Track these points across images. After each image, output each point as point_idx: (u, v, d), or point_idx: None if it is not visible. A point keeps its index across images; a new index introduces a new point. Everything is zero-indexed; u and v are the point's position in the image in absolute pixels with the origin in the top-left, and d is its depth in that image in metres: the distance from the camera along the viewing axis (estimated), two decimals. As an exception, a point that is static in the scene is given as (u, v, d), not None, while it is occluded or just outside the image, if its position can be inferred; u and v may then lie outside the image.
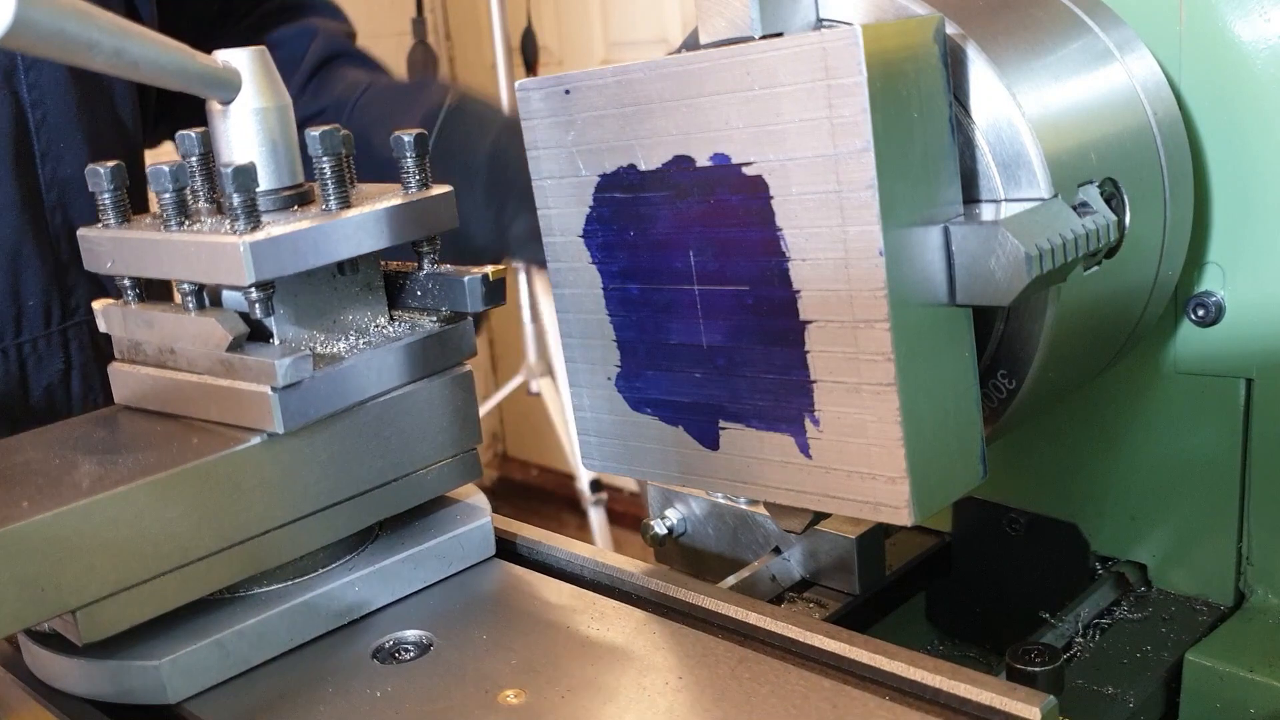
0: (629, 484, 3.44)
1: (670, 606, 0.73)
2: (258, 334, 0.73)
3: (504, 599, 0.76)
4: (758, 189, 0.64)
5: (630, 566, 0.76)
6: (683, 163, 0.67)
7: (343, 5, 1.50)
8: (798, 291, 0.64)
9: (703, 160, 0.66)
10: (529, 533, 0.83)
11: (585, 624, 0.70)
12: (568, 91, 0.71)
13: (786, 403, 0.66)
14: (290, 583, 0.74)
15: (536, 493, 4.15)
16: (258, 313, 0.70)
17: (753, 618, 0.68)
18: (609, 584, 0.76)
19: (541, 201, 0.75)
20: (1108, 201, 0.71)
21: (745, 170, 0.64)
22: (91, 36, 0.63)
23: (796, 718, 0.59)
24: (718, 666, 0.64)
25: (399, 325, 0.79)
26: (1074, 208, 0.68)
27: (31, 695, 0.71)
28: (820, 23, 0.69)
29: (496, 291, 0.78)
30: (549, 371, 3.43)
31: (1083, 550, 0.99)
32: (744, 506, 1.09)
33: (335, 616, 0.73)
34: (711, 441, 0.71)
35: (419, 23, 3.22)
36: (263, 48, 0.74)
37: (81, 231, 0.77)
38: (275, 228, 0.69)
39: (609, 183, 0.71)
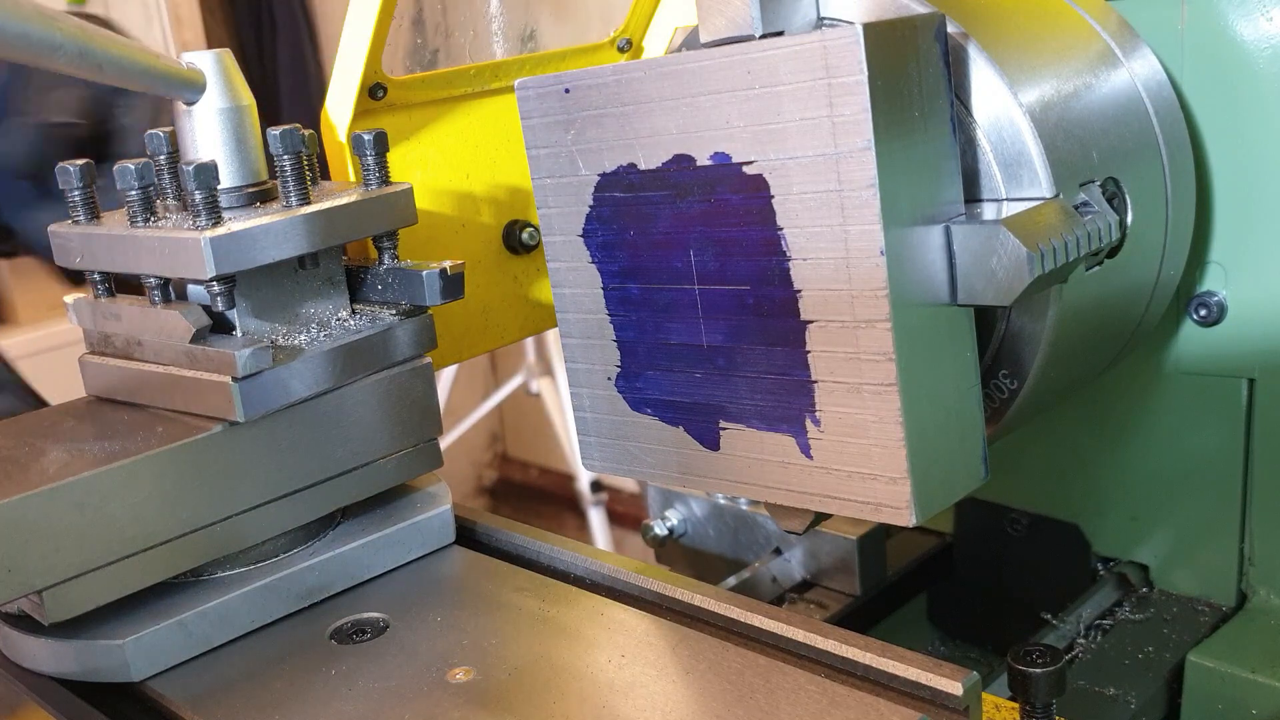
0: (629, 484, 3.43)
1: (614, 588, 0.75)
2: (222, 326, 0.76)
3: (461, 583, 0.79)
4: (758, 188, 0.63)
5: (580, 552, 0.78)
6: (683, 162, 0.66)
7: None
8: (798, 291, 0.63)
9: (703, 159, 0.65)
10: (488, 520, 0.85)
11: (537, 606, 0.72)
12: (567, 90, 0.71)
13: (787, 403, 0.66)
14: (252, 566, 0.76)
15: (536, 493, 4.14)
16: (219, 305, 0.72)
17: (697, 599, 0.71)
18: (563, 569, 0.79)
19: (541, 201, 0.75)
20: (1109, 201, 0.71)
21: (746, 169, 0.64)
22: (55, 39, 0.65)
23: (732, 691, 0.61)
24: (661, 646, 0.67)
25: (360, 318, 0.81)
26: (1076, 207, 0.68)
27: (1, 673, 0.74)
28: (821, 21, 0.69)
29: (455, 285, 0.80)
30: (549, 371, 3.43)
31: (1084, 551, 0.99)
32: (744, 507, 1.09)
33: (296, 599, 0.76)
34: (712, 442, 0.71)
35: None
36: (227, 49, 0.77)
37: (52, 228, 0.80)
38: (236, 223, 0.71)
39: (609, 182, 0.70)
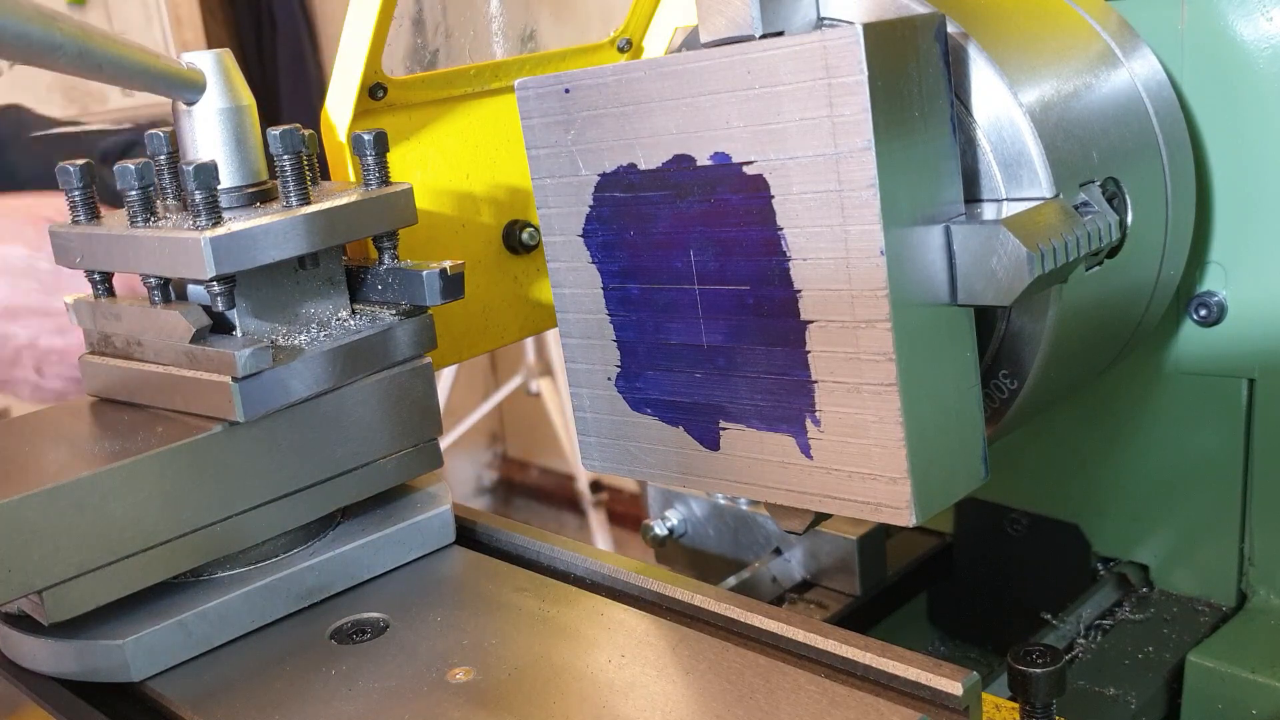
0: (629, 484, 3.43)
1: (614, 588, 0.75)
2: (221, 327, 0.76)
3: (461, 583, 0.79)
4: (758, 188, 0.63)
5: (580, 552, 0.78)
6: (683, 162, 0.66)
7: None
8: (798, 291, 0.63)
9: (703, 159, 0.65)
10: (488, 520, 0.86)
11: (537, 606, 0.72)
12: (567, 90, 0.71)
13: (787, 403, 0.66)
14: (252, 567, 0.76)
15: (536, 493, 4.14)
16: (219, 305, 0.72)
17: (697, 599, 0.71)
18: (563, 569, 0.79)
19: (541, 201, 0.75)
20: (1109, 201, 0.71)
21: (746, 169, 0.64)
22: (55, 39, 0.65)
23: (732, 691, 0.61)
24: (661, 646, 0.67)
25: (360, 318, 0.81)
26: (1076, 207, 0.68)
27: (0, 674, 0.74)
28: (821, 21, 0.69)
29: (455, 285, 0.80)
30: (549, 371, 3.43)
31: (1084, 551, 0.99)
32: (744, 507, 1.09)
33: (295, 599, 0.76)
34: (712, 442, 0.71)
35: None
36: (227, 49, 0.77)
37: (52, 228, 0.80)
38: (236, 223, 0.71)
39: (609, 182, 0.70)
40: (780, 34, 0.66)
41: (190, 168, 0.70)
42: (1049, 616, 0.94)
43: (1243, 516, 0.89)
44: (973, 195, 0.67)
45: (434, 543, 0.82)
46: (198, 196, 0.70)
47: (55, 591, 0.67)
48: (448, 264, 0.80)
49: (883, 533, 1.03)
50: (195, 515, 0.72)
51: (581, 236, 0.73)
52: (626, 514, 3.50)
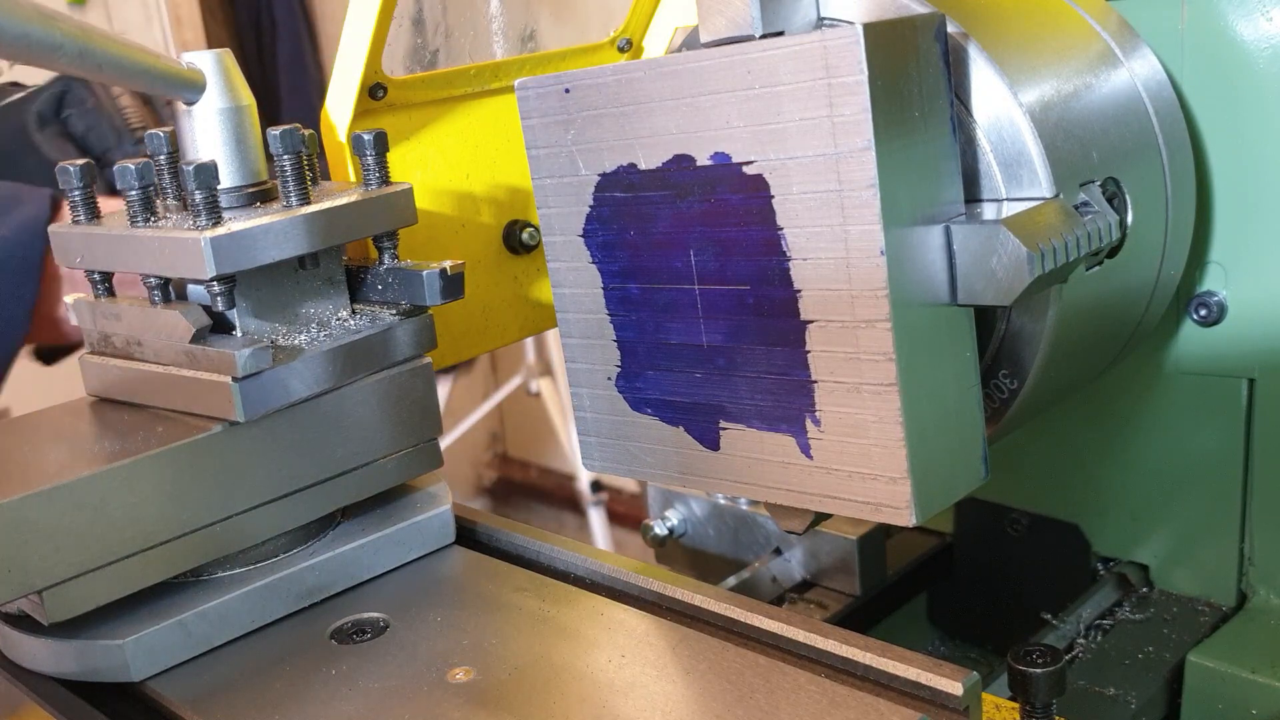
0: (629, 484, 3.43)
1: (614, 588, 0.75)
2: (221, 327, 0.76)
3: (461, 583, 0.79)
4: (758, 188, 0.63)
5: (580, 552, 0.78)
6: (683, 162, 0.66)
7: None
8: (798, 291, 0.63)
9: (703, 159, 0.65)
10: (488, 520, 0.86)
11: (537, 606, 0.73)
12: (567, 90, 0.71)
13: (787, 403, 0.66)
14: (252, 566, 0.77)
15: (536, 493, 4.14)
16: (219, 305, 0.73)
17: (697, 599, 0.71)
18: (563, 569, 0.79)
19: (541, 201, 0.75)
20: (1109, 201, 0.71)
21: (746, 169, 0.64)
22: (55, 39, 0.66)
23: (732, 691, 0.61)
24: (661, 646, 0.67)
25: (360, 318, 0.82)
26: (1076, 207, 0.68)
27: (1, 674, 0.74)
28: (821, 21, 0.69)
29: (455, 285, 0.80)
30: (549, 371, 3.43)
31: (1084, 551, 0.99)
32: (744, 507, 1.09)
33: (295, 599, 0.76)
34: (712, 442, 0.71)
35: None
36: (227, 49, 0.77)
37: (52, 228, 0.80)
38: (236, 223, 0.72)
39: (609, 182, 0.70)
40: (780, 34, 0.66)
41: (190, 168, 0.70)
42: (1049, 616, 0.94)
43: (1243, 516, 0.89)
44: (973, 195, 0.67)
45: (434, 543, 0.82)
46: (198, 196, 0.70)
47: (55, 591, 0.67)
48: (448, 264, 0.80)
49: (883, 533, 1.03)
50: (195, 515, 0.72)
51: (581, 236, 0.73)
52: (626, 514, 3.50)
